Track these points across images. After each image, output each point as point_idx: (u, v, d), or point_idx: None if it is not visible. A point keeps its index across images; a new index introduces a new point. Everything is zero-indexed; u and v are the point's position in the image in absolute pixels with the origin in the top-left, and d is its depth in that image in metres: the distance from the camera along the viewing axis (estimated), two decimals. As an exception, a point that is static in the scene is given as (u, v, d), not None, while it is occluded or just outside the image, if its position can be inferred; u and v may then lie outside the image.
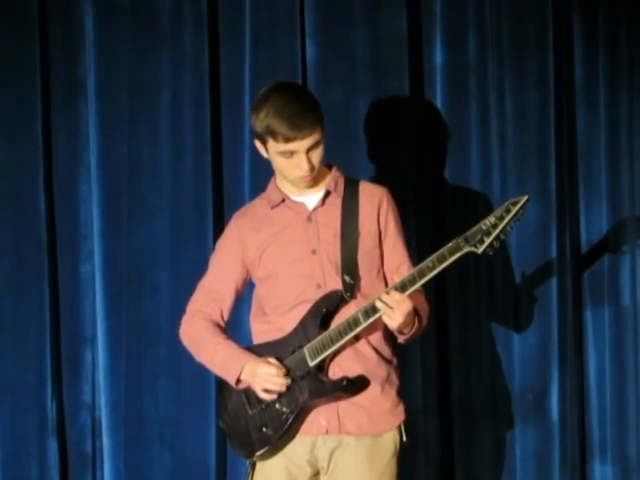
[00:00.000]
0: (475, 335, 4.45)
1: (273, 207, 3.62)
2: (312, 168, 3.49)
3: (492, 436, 4.42)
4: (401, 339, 3.56)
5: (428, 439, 4.38)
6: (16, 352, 4.42)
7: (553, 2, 4.33)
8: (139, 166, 4.39)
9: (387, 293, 3.46)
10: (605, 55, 4.39)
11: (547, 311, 4.37)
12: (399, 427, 3.61)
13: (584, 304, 4.43)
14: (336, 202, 3.62)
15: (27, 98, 4.35)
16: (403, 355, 3.78)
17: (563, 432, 4.42)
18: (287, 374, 3.53)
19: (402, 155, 4.33)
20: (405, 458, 3.66)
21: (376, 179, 4.06)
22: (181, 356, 3.86)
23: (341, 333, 3.50)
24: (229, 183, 4.36)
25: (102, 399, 4.42)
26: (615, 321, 4.40)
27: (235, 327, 3.84)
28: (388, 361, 3.63)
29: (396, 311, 3.42)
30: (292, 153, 3.47)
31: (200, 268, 3.78)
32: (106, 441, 4.40)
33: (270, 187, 3.63)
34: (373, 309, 3.42)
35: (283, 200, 3.60)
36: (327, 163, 3.57)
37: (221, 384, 3.72)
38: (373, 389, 3.57)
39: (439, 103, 4.33)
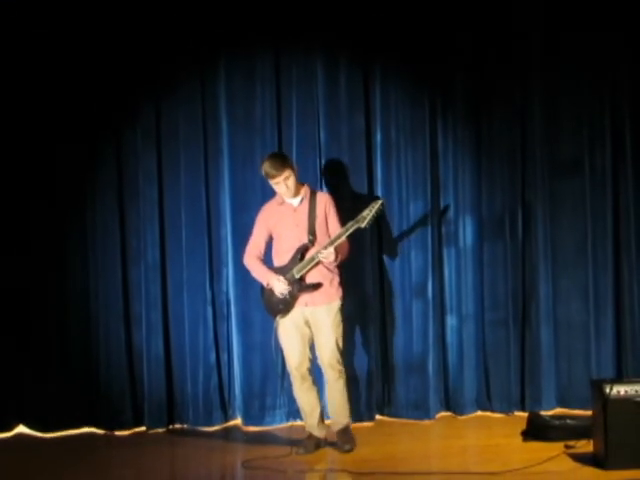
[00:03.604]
0: (395, 261, 7.31)
1: (279, 204, 6.37)
2: (287, 189, 6.23)
3: (402, 305, 7.31)
4: (334, 265, 6.33)
5: (374, 308, 7.28)
6: (194, 269, 7.24)
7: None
8: (249, 183, 7.17)
9: (325, 247, 6.15)
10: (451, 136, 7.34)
11: (426, 249, 7.33)
12: (340, 298, 6.41)
13: (442, 245, 7.39)
14: (306, 203, 6.30)
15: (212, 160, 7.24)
16: (365, 268, 7.09)
17: (433, 303, 7.29)
18: (288, 284, 6.24)
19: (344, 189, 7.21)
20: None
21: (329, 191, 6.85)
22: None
23: (309, 262, 6.23)
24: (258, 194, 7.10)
25: (231, 290, 7.28)
26: (456, 253, 7.40)
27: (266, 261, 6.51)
28: (331, 271, 6.38)
29: (329, 256, 6.18)
30: (276, 183, 6.24)
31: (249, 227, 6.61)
32: (233, 309, 7.24)
33: (277, 195, 6.36)
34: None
35: (283, 202, 6.36)
36: (302, 182, 6.38)
37: (262, 286, 6.49)
38: (325, 285, 6.35)
39: (379, 165, 7.29)
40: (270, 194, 6.91)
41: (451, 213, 7.46)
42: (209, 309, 7.37)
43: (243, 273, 7.05)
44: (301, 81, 7.33)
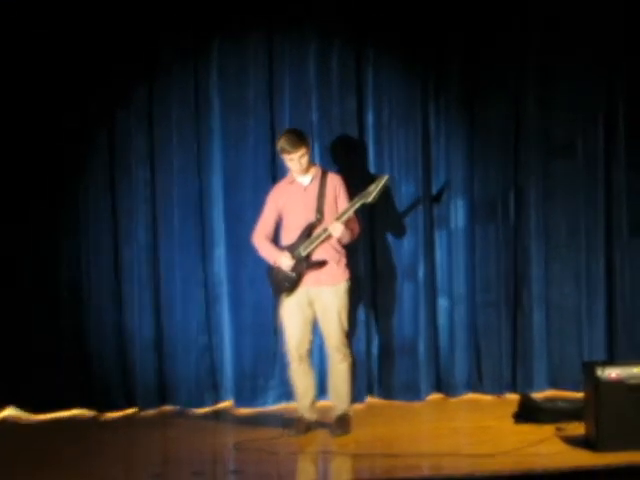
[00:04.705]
0: (387, 243, 7.30)
1: (289, 184, 6.41)
2: (300, 167, 6.30)
3: (394, 288, 7.34)
4: (342, 243, 6.33)
5: (364, 290, 7.32)
6: (186, 250, 7.23)
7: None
8: (241, 164, 7.19)
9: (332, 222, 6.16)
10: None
11: (417, 231, 7.37)
12: (347, 280, 6.41)
13: (434, 227, 7.42)
14: (316, 182, 6.33)
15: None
16: (355, 249, 6.84)
17: (424, 285, 7.37)
18: (293, 259, 6.28)
19: (350, 167, 7.17)
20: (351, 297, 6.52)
21: (338, 172, 6.72)
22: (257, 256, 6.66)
23: (315, 239, 6.27)
24: (280, 171, 7.04)
25: (223, 271, 7.30)
26: (448, 235, 7.44)
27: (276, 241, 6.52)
28: (339, 251, 6.39)
29: (337, 230, 6.22)
30: (290, 159, 6.31)
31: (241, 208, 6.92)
32: (225, 290, 7.27)
33: (288, 174, 6.42)
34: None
35: (293, 181, 6.42)
36: (313, 162, 6.48)
37: (269, 265, 6.50)
38: (331, 264, 6.35)
39: (370, 147, 7.32)
40: (262, 175, 7.09)
41: (443, 195, 7.48)
42: (201, 290, 7.37)
43: (235, 254, 7.17)
44: (294, 63, 7.32)
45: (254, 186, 7.11)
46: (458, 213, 7.48)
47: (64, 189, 7.28)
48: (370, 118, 7.37)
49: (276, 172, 7.20)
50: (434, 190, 7.43)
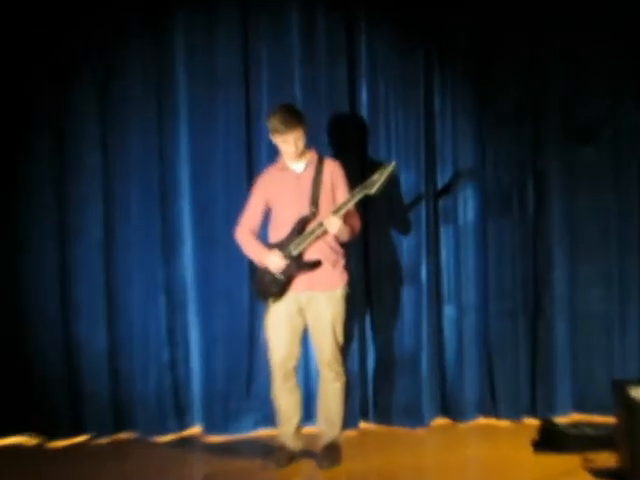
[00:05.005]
0: (383, 240, 6.82)
1: (280, 170, 6.02)
2: (296, 150, 5.90)
3: (391, 293, 6.82)
4: (340, 240, 5.94)
5: (357, 295, 6.61)
6: (145, 249, 6.71)
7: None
8: (211, 148, 6.69)
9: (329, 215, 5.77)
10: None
11: (420, 227, 6.81)
12: (344, 285, 5.99)
13: (439, 222, 6.89)
14: (311, 169, 5.96)
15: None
16: (348, 248, 6.14)
17: (427, 290, 6.84)
18: (284, 260, 5.86)
19: (340, 152, 6.60)
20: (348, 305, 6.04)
21: (335, 157, 6.29)
22: (235, 249, 6.15)
23: (308, 236, 5.86)
24: (256, 157, 6.69)
25: (189, 274, 6.76)
26: (455, 231, 6.89)
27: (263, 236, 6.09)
28: (336, 251, 6.00)
29: (334, 225, 5.79)
30: (285, 141, 5.88)
31: (242, 197, 6.19)
32: (191, 297, 6.75)
33: (279, 160, 6.02)
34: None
35: (285, 167, 6.00)
36: (309, 146, 5.96)
37: (254, 266, 6.11)
38: (327, 266, 5.94)
39: (367, 119, 6.78)
40: (235, 162, 6.68)
41: (451, 187, 6.94)
42: (162, 296, 6.85)
43: (204, 253, 6.79)
44: (272, 29, 6.81)
45: (226, 174, 6.65)
46: (467, 205, 6.94)
47: (2, 177, 6.76)
48: (364, 94, 6.86)
49: (252, 158, 6.75)
50: (438, 177, 6.92)
